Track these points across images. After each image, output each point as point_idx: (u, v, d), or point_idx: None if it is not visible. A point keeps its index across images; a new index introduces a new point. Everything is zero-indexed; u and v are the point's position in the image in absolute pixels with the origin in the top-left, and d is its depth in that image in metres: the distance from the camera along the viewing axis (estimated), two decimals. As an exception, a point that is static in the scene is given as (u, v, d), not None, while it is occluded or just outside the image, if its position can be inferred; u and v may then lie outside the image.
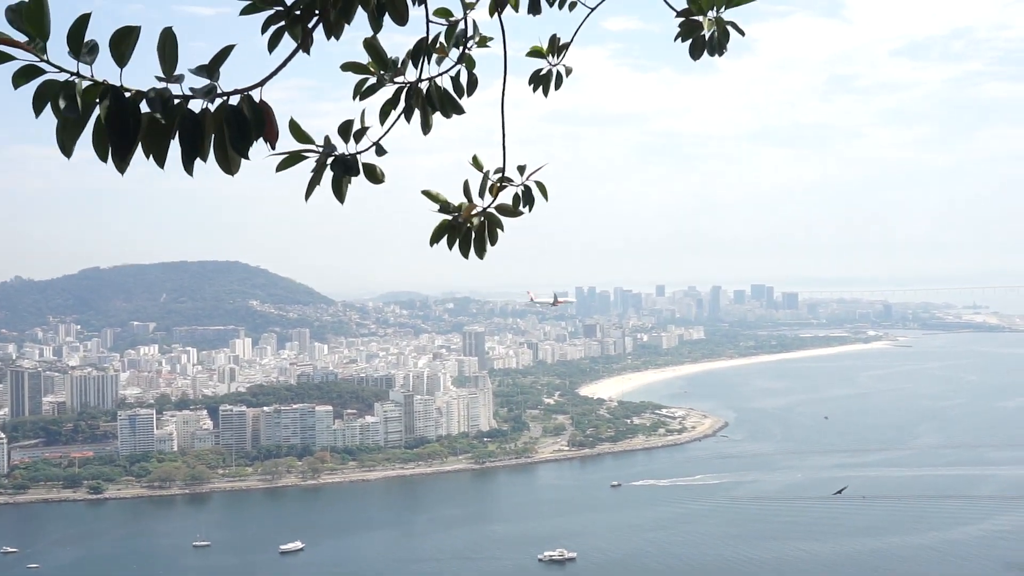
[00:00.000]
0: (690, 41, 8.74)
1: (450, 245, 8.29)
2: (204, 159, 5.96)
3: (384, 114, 8.20)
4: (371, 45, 7.96)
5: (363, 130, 7.55)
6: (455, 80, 8.64)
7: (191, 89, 5.79)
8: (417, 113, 8.29)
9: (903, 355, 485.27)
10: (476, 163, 8.44)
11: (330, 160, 7.29)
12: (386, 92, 8.21)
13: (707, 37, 8.71)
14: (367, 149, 7.57)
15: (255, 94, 6.16)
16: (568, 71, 9.50)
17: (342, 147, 7.44)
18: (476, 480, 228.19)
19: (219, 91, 5.94)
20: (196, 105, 5.85)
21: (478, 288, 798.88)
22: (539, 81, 9.49)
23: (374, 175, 7.60)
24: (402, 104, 8.26)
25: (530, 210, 8.68)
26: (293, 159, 7.02)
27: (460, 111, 8.44)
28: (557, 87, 9.44)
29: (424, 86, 8.34)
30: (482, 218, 8.34)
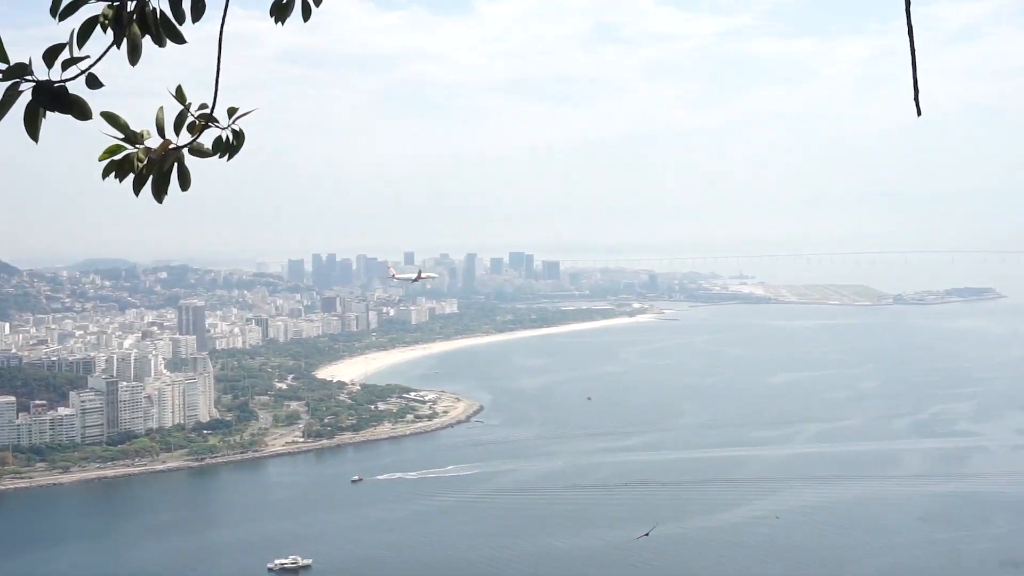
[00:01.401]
0: None
1: (120, 178, 7.98)
2: None
3: (83, 35, 7.65)
4: None
5: (74, 60, 7.10)
6: (175, 4, 8.23)
7: None
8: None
9: (668, 329, 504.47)
10: (180, 95, 8.16)
11: (29, 87, 6.69)
12: (92, 9, 7.77)
13: None
14: (74, 78, 7.10)
15: None
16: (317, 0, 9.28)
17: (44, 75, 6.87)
18: (195, 480, 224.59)
19: None
20: None
21: (197, 256, 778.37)
22: (281, 10, 9.17)
23: (82, 110, 7.17)
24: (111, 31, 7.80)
25: (229, 158, 8.52)
26: None
27: (179, 39, 8.13)
28: (306, 17, 9.21)
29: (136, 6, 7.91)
30: (171, 157, 8.06)
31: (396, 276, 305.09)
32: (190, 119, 8.21)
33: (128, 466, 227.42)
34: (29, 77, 6.83)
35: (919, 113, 10.60)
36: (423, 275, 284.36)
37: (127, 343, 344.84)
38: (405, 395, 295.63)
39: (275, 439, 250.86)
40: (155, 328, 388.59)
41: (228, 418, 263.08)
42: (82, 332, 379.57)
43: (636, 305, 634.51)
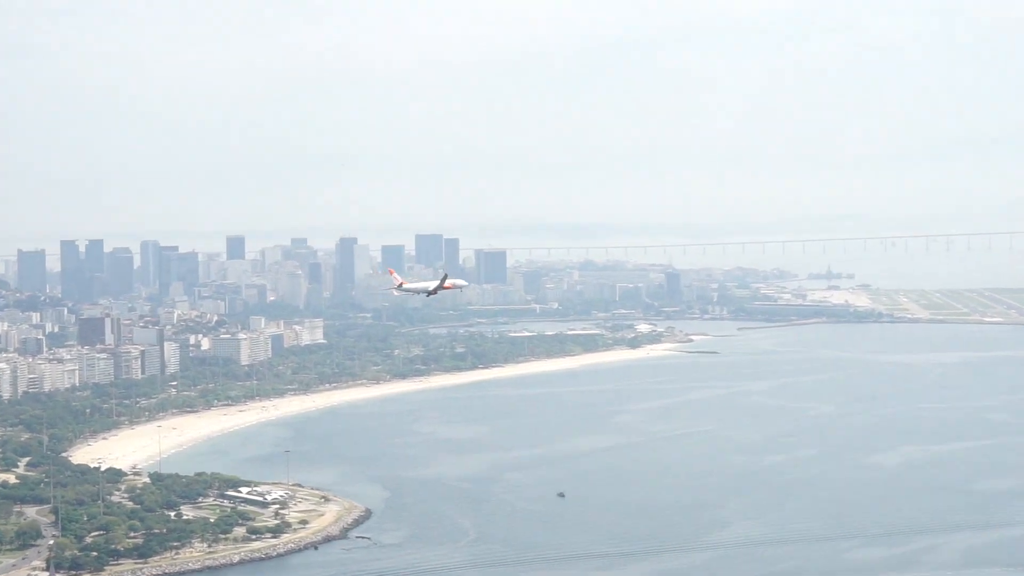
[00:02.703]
0: None
1: None
2: None
3: None
4: None
5: None
6: None
7: None
8: None
9: (702, 369, 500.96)
10: None
11: None
12: None
13: None
14: None
15: None
16: None
17: None
18: None
19: None
20: None
21: None
22: None
23: None
24: None
25: None
26: None
27: None
28: None
29: None
30: None
31: (405, 286, 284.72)
32: None
33: None
34: None
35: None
36: (450, 283, 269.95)
37: None
38: (232, 492, 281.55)
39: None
40: None
41: None
42: None
43: (643, 327, 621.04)
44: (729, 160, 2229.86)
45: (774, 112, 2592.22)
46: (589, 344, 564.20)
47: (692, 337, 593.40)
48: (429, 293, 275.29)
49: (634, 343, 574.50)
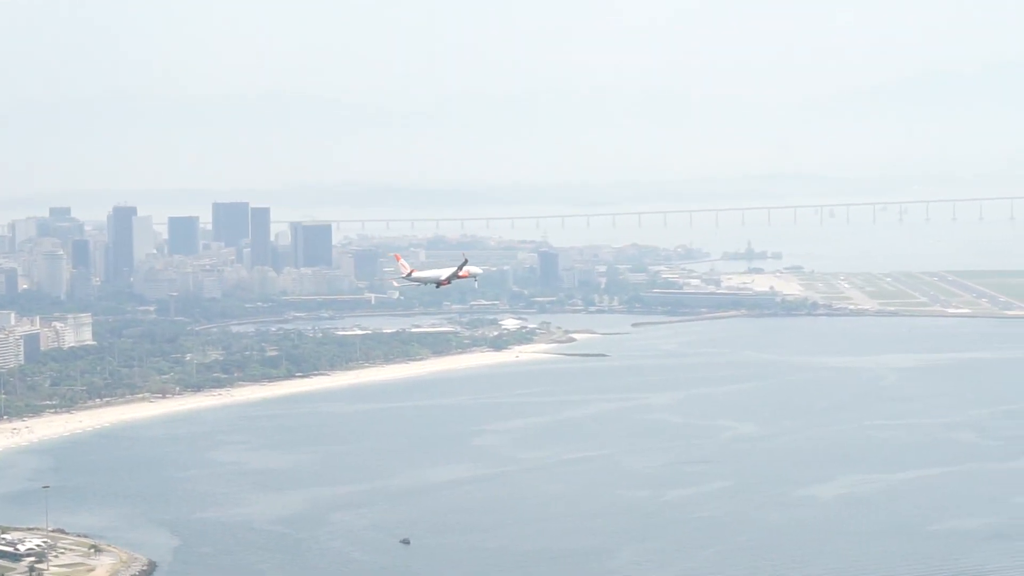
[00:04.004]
0: None
1: None
2: None
3: None
4: None
5: None
6: None
7: None
8: None
9: (587, 377, 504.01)
10: None
11: None
12: None
13: None
14: None
15: None
16: None
17: None
18: None
19: None
20: None
21: None
22: None
23: None
24: None
25: None
26: None
27: None
28: None
29: None
30: None
31: (414, 274, 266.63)
32: None
33: None
34: None
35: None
36: (466, 270, 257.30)
37: None
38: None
39: None
40: None
41: None
42: None
43: (510, 323, 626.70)
44: (621, 106, 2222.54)
45: (680, 42, 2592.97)
46: (440, 345, 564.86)
47: (574, 335, 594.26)
48: (439, 284, 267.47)
49: (498, 343, 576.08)
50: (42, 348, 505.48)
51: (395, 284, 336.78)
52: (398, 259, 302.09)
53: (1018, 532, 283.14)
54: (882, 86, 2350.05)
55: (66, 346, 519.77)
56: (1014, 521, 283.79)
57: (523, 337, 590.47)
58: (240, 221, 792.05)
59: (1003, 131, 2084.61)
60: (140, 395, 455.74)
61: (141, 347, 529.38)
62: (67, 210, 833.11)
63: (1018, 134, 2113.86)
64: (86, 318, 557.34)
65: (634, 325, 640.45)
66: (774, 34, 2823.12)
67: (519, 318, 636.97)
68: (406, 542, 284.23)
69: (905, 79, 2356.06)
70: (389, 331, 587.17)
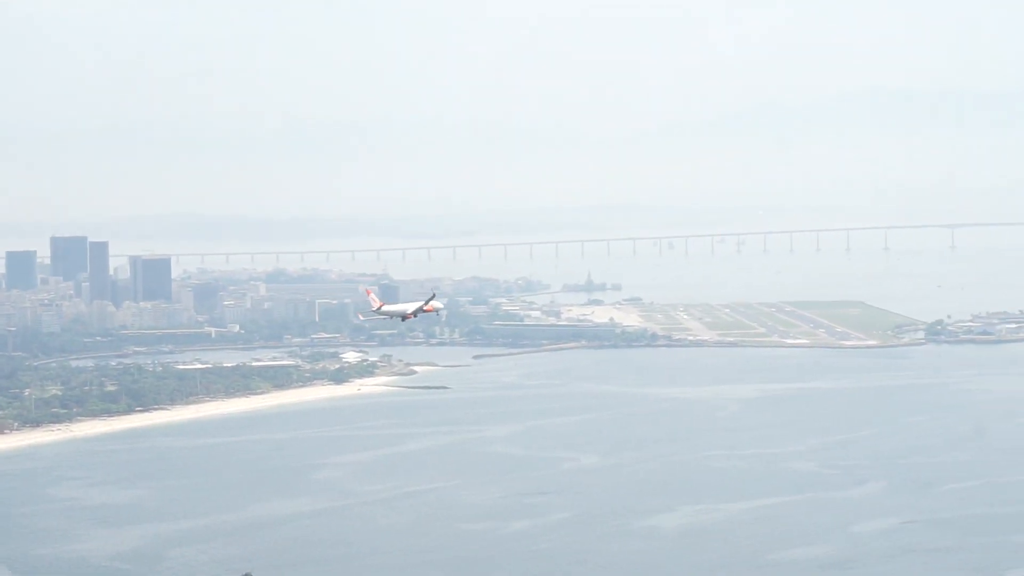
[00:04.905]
0: None
1: None
2: None
3: None
4: None
5: None
6: None
7: None
8: None
9: (426, 409, 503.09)
10: None
11: None
12: None
13: None
14: None
15: None
16: None
17: None
18: None
19: None
20: None
21: None
22: None
23: None
24: None
25: None
26: None
27: None
28: None
29: None
30: None
31: (383, 308, 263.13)
32: None
33: None
34: None
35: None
36: (431, 305, 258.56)
37: None
38: None
39: None
40: None
41: None
42: None
43: (351, 356, 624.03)
44: (456, 138, 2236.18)
45: (515, 74, 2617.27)
46: (281, 378, 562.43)
47: (415, 368, 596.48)
48: (404, 317, 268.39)
49: (340, 376, 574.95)
50: None
51: (360, 317, 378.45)
52: (368, 293, 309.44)
53: (855, 560, 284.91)
54: (720, 119, 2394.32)
55: None
56: (852, 550, 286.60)
57: (364, 370, 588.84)
58: (78, 255, 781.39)
59: (838, 162, 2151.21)
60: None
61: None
62: None
63: (853, 165, 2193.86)
64: None
65: (475, 357, 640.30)
66: (608, 66, 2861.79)
67: (360, 351, 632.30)
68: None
69: (739, 112, 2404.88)
70: (229, 365, 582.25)
